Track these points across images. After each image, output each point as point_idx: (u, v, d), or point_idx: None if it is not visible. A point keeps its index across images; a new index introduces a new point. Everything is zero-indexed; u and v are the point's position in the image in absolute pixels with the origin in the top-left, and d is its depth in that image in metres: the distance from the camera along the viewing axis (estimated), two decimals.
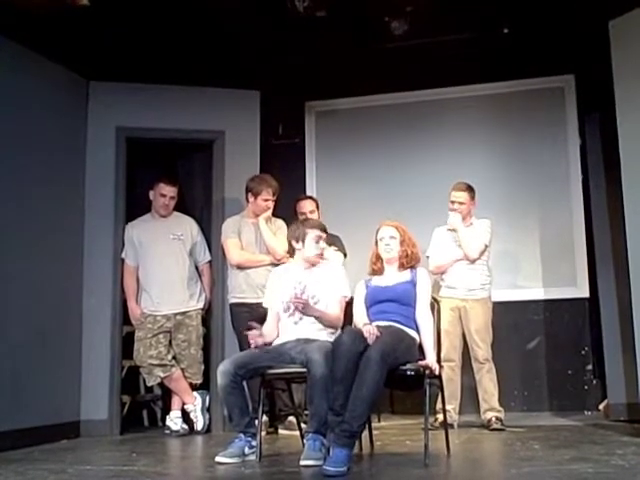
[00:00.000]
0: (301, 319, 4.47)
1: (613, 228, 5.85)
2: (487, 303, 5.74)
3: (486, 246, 5.74)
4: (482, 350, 5.62)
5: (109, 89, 6.08)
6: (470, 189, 5.82)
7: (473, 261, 5.71)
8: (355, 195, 6.98)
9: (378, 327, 4.12)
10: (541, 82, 6.85)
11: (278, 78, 6.52)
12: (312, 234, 4.63)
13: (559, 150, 6.77)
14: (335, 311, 4.52)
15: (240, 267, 5.74)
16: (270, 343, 4.53)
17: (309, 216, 5.81)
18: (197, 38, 5.77)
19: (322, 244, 4.67)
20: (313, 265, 4.66)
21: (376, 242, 4.58)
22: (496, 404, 5.57)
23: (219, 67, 6.13)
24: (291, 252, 4.80)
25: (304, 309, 4.34)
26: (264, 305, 4.76)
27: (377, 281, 4.55)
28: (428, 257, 5.79)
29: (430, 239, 5.87)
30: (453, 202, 5.79)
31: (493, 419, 5.49)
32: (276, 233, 5.75)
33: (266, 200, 5.77)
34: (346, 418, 3.82)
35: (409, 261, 4.51)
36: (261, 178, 5.83)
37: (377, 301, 4.44)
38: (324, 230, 4.70)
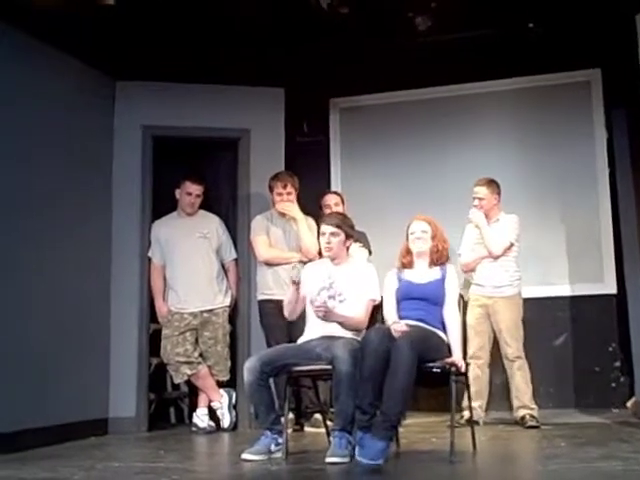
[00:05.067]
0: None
1: None
2: (516, 300, 5.67)
3: (511, 243, 5.66)
4: (512, 348, 5.56)
5: (136, 88, 6.13)
6: (490, 184, 5.75)
7: (496, 258, 5.64)
8: (380, 192, 6.96)
9: (407, 325, 4.13)
10: (567, 76, 6.78)
11: (302, 75, 6.51)
12: (321, 229, 4.61)
13: (586, 144, 6.69)
14: (360, 313, 4.45)
15: (268, 264, 5.77)
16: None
17: (334, 209, 5.83)
18: (222, 37, 5.78)
19: (331, 239, 4.54)
20: (333, 260, 4.61)
21: (407, 236, 4.58)
22: (528, 402, 5.52)
23: (244, 65, 6.14)
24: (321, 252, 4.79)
25: (325, 316, 4.30)
26: None
27: (409, 276, 4.53)
28: (460, 255, 5.78)
29: (455, 236, 5.83)
30: (474, 198, 5.77)
31: (527, 417, 5.43)
32: None
33: (279, 194, 5.80)
34: (383, 409, 3.87)
35: (439, 257, 4.51)
36: (275, 174, 5.88)
37: (408, 297, 4.44)
38: (337, 225, 4.56)
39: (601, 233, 6.54)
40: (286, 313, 4.63)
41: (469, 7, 5.63)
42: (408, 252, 4.58)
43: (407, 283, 4.51)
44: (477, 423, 5.34)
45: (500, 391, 5.77)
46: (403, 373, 3.87)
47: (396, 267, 4.63)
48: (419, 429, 5.43)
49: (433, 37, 5.95)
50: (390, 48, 6.24)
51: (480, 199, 5.74)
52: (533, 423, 5.38)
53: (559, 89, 6.83)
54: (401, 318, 4.33)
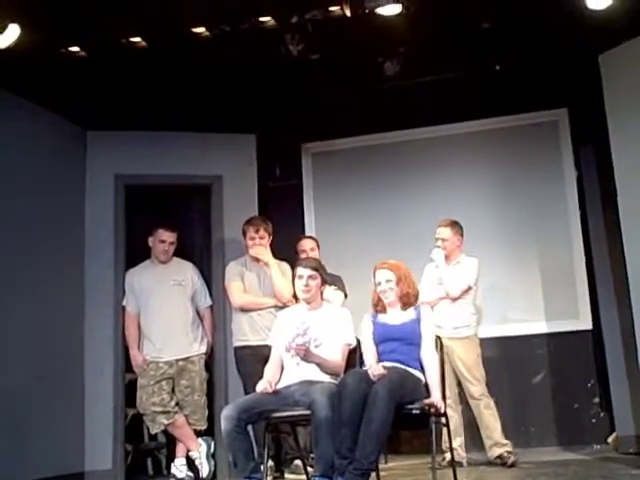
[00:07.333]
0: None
1: (613, 258, 5.85)
2: (473, 340, 5.67)
3: (469, 286, 5.66)
4: (475, 386, 5.55)
5: (107, 138, 6.14)
6: (454, 225, 5.76)
7: (454, 300, 5.64)
8: (354, 234, 6.98)
9: (384, 367, 4.11)
10: (535, 117, 6.87)
11: (273, 121, 6.56)
12: (296, 272, 4.63)
13: (556, 183, 6.76)
14: (336, 358, 4.44)
15: (243, 309, 5.74)
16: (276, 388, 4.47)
17: (309, 254, 5.82)
18: (191, 84, 5.82)
19: (309, 282, 4.56)
20: (309, 303, 4.62)
21: (374, 283, 4.60)
22: (500, 438, 5.49)
23: (214, 112, 6.18)
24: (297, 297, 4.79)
25: (305, 356, 4.28)
26: (268, 343, 4.75)
27: (383, 318, 4.55)
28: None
29: None
30: (437, 239, 5.77)
31: (505, 454, 5.40)
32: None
33: (252, 239, 5.79)
34: (357, 456, 3.82)
35: (409, 300, 4.53)
36: (248, 219, 5.89)
37: (384, 339, 4.45)
38: (314, 269, 4.60)
39: (574, 269, 6.58)
40: (261, 386, 4.46)
41: (436, 51, 5.72)
42: (380, 299, 4.59)
43: (382, 325, 4.52)
44: (460, 464, 5.30)
45: (474, 431, 5.73)
46: (379, 420, 3.85)
47: (370, 311, 4.64)
48: (401, 472, 5.38)
49: (401, 81, 6.03)
50: (360, 92, 6.32)
51: (443, 240, 5.74)
52: (513, 459, 5.35)
53: (527, 129, 6.92)
54: (379, 360, 4.31)
